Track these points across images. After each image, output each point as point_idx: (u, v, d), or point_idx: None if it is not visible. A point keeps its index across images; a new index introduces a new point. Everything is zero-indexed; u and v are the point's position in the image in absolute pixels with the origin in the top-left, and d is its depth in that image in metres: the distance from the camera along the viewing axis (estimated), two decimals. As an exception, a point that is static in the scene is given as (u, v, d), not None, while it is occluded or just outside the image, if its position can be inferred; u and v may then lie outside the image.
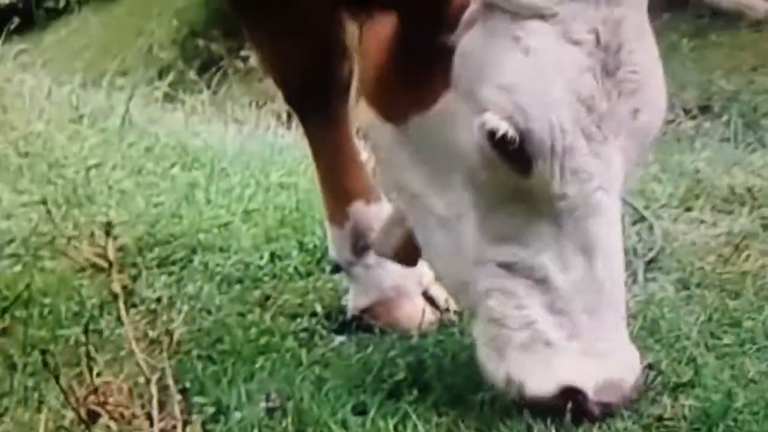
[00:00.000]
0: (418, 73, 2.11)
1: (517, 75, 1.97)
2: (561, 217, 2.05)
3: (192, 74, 9.60)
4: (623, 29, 1.99)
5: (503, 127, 1.97)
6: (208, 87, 8.18)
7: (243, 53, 13.10)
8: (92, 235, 3.08)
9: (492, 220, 2.10)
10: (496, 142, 1.98)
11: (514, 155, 1.99)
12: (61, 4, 12.08)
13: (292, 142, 5.07)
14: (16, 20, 7.09)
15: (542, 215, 2.06)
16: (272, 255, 3.19)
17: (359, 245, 2.78)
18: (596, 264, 2.05)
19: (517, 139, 1.97)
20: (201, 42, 11.95)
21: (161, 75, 11.01)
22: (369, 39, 2.22)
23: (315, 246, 3.21)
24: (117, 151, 4.11)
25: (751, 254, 3.14)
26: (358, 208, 2.78)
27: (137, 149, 4.22)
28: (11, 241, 3.27)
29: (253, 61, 13.78)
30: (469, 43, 2.03)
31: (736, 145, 5.59)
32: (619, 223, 2.12)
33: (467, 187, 2.10)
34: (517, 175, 2.02)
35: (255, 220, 3.51)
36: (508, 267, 2.10)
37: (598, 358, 2.08)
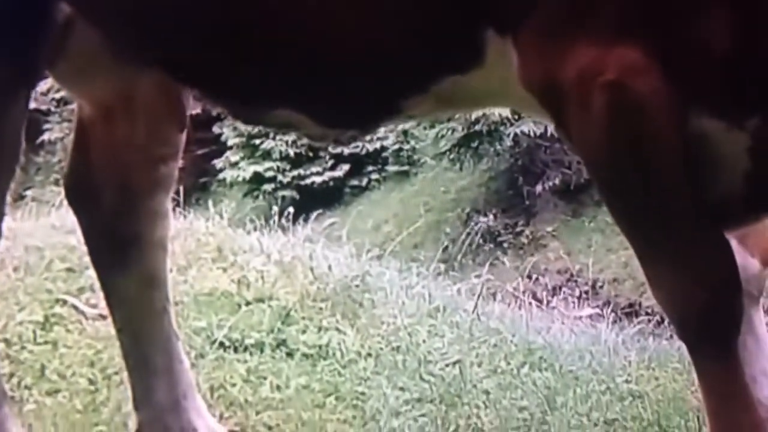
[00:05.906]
0: None
1: None
2: None
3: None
4: None
5: None
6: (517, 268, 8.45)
7: (518, 229, 13.56)
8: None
9: None
10: None
11: None
12: (364, 182, 13.08)
13: (619, 341, 5.11)
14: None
15: None
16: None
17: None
18: None
19: None
20: (482, 218, 12.61)
21: (447, 249, 11.58)
22: None
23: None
24: (471, 348, 4.32)
25: None
26: None
27: (488, 346, 4.42)
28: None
29: (525, 237, 14.13)
30: None
31: None
32: None
33: None
34: None
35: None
36: None
37: None
